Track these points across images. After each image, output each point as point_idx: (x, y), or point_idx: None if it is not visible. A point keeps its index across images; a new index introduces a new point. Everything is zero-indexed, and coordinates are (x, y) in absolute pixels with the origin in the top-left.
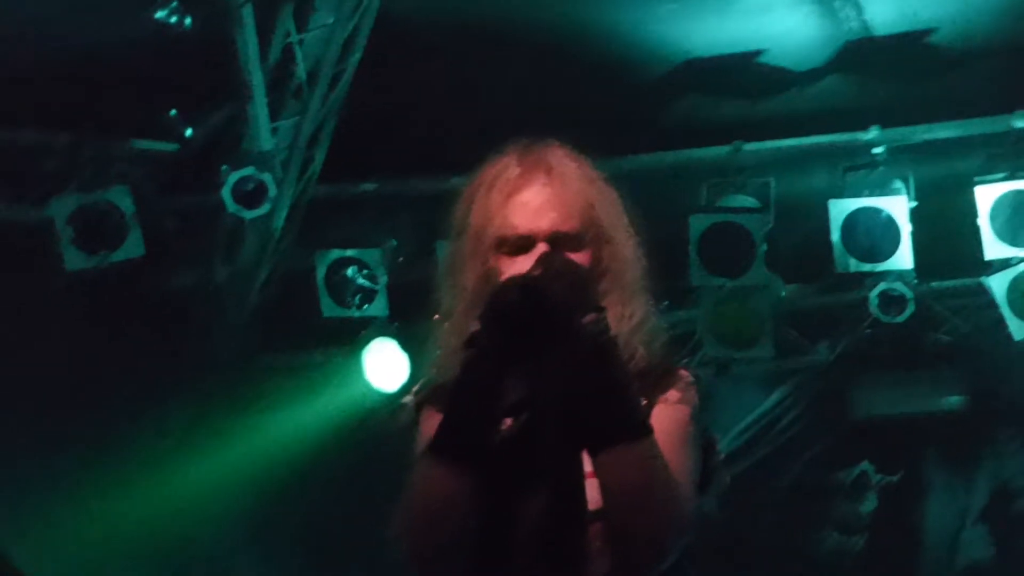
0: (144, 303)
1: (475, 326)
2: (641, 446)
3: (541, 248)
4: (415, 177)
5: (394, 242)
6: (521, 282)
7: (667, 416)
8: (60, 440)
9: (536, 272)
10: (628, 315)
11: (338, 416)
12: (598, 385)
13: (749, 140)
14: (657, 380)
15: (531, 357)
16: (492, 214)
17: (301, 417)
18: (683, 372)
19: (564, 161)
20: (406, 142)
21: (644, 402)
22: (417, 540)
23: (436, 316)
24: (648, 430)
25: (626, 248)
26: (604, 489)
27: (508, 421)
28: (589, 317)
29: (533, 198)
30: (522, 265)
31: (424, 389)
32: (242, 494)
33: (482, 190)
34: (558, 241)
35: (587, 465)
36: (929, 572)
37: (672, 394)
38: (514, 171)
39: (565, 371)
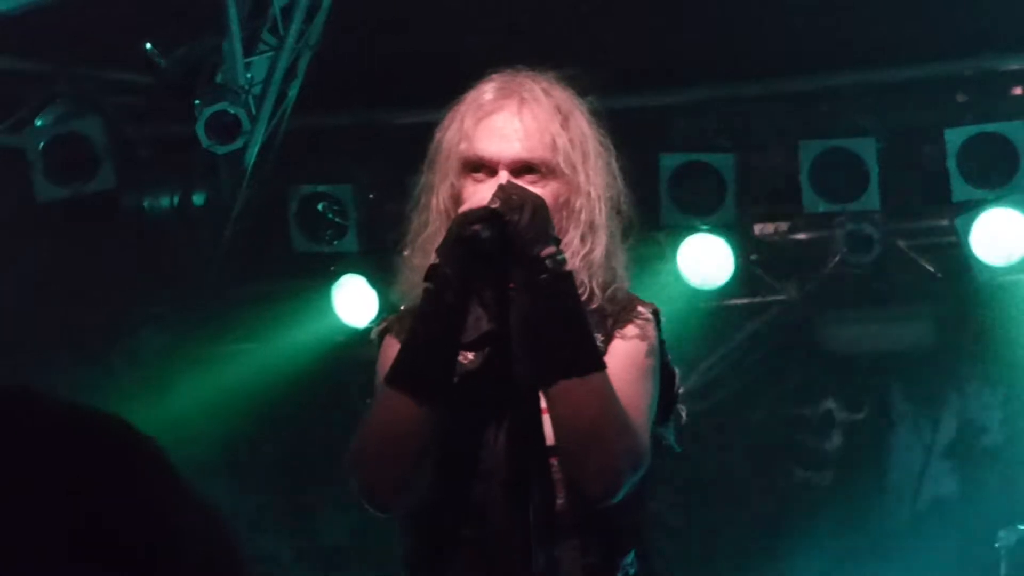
0: (116, 234)
1: (434, 258)
2: (593, 380)
3: (504, 176)
4: (389, 112)
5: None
6: (480, 214)
7: (624, 351)
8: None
9: (495, 204)
10: (586, 250)
11: (309, 349)
12: (552, 317)
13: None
14: (616, 315)
15: (490, 288)
16: (461, 137)
17: (273, 349)
18: (642, 307)
19: (539, 92)
20: (381, 77)
21: (601, 337)
22: (372, 470)
23: (403, 242)
24: (601, 365)
25: (590, 184)
26: (556, 422)
27: (469, 354)
28: (547, 250)
29: (502, 125)
30: (483, 193)
31: (387, 318)
32: (214, 424)
33: (456, 115)
34: (521, 170)
35: (542, 401)
36: (894, 507)
37: (630, 329)
38: (488, 96)
39: (522, 303)
